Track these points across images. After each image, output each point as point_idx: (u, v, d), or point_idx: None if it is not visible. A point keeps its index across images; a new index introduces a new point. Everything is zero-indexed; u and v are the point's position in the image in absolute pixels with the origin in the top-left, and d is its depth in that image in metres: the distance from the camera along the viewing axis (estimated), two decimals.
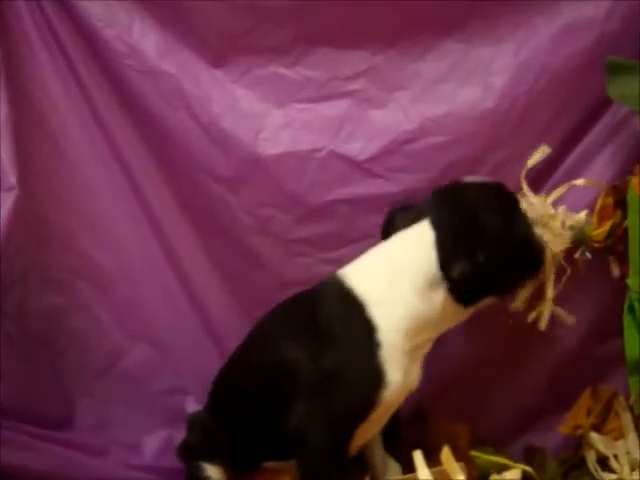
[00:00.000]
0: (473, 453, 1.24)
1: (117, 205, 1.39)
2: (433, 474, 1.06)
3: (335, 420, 1.05)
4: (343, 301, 1.08)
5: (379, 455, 1.23)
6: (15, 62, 1.30)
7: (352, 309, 1.07)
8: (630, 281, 1.19)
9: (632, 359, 1.19)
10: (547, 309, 1.23)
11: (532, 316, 1.24)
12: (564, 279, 1.23)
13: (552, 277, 1.23)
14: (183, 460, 1.27)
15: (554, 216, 1.23)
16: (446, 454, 1.07)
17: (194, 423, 1.27)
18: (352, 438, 1.07)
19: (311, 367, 1.06)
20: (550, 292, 1.22)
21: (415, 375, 1.11)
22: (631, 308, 1.19)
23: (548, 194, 1.26)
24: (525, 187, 1.24)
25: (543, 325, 1.24)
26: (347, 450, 1.08)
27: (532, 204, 1.23)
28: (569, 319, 1.25)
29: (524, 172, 1.24)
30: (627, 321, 1.20)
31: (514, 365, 1.37)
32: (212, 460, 1.22)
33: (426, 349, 1.13)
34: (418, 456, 1.09)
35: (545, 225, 1.22)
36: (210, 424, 1.22)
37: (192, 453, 1.25)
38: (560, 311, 1.25)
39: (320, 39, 1.32)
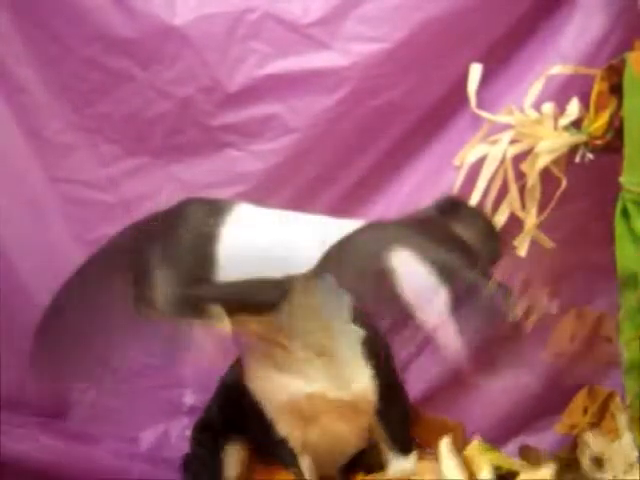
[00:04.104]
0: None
1: None
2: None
3: None
4: None
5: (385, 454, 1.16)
6: None
7: None
8: (624, 179, 1.03)
9: (624, 273, 1.04)
10: (528, 235, 1.12)
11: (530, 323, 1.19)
12: (558, 193, 1.08)
13: (536, 201, 1.09)
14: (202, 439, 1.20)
15: (540, 120, 1.08)
16: (476, 445, 1.08)
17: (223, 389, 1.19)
18: None
19: None
20: (533, 217, 1.10)
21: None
22: (624, 212, 1.03)
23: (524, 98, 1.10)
24: (475, 108, 1.10)
25: (522, 251, 1.12)
26: None
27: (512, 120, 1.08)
28: (549, 243, 1.14)
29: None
30: (619, 227, 1.04)
31: (509, 364, 1.36)
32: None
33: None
34: (445, 444, 1.08)
35: (532, 135, 1.06)
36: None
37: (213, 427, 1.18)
38: (540, 235, 1.13)
39: None
